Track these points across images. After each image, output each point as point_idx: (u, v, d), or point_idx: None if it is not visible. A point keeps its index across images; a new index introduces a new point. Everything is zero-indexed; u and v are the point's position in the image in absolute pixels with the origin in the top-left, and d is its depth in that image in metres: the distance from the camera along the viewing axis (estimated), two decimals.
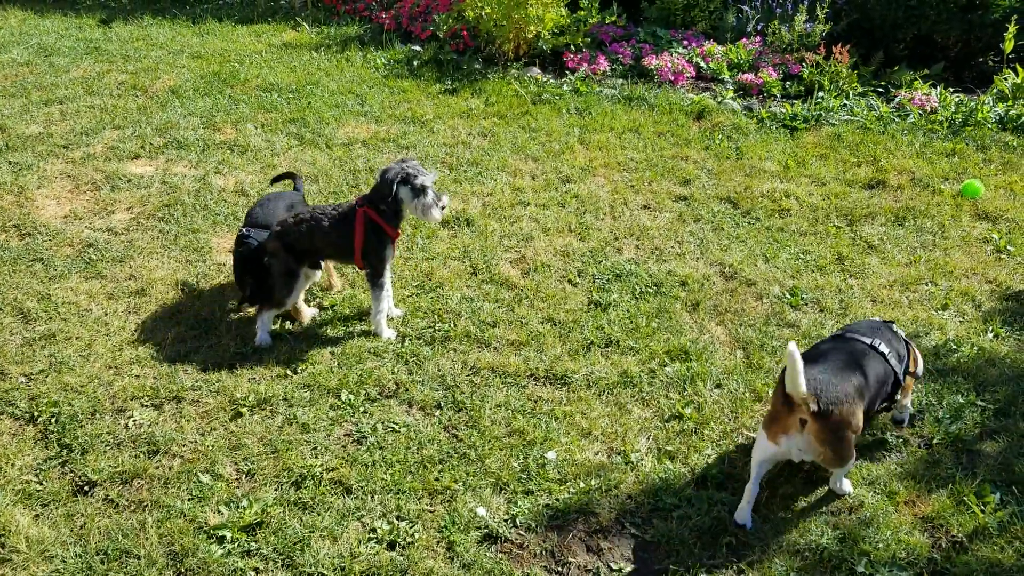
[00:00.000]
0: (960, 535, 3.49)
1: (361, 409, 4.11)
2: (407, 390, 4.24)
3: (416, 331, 4.67)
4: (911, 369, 3.90)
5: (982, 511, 3.58)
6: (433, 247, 5.47)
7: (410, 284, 5.08)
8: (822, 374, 3.46)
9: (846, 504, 3.64)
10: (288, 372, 4.35)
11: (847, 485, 3.69)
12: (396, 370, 4.38)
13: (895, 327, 3.99)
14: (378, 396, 4.21)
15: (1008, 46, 7.66)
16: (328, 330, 4.68)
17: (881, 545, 3.43)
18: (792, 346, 3.28)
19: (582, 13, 8.63)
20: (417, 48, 9.16)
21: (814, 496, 3.68)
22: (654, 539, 3.48)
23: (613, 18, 9.07)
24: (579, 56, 8.52)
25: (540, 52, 8.77)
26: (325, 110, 7.55)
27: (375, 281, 4.55)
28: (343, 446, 3.89)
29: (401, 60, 8.93)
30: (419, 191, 4.42)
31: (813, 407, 3.32)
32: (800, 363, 3.29)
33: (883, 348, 3.75)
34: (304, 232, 4.49)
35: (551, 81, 8.25)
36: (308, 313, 4.77)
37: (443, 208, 4.50)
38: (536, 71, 8.46)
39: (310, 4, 11.09)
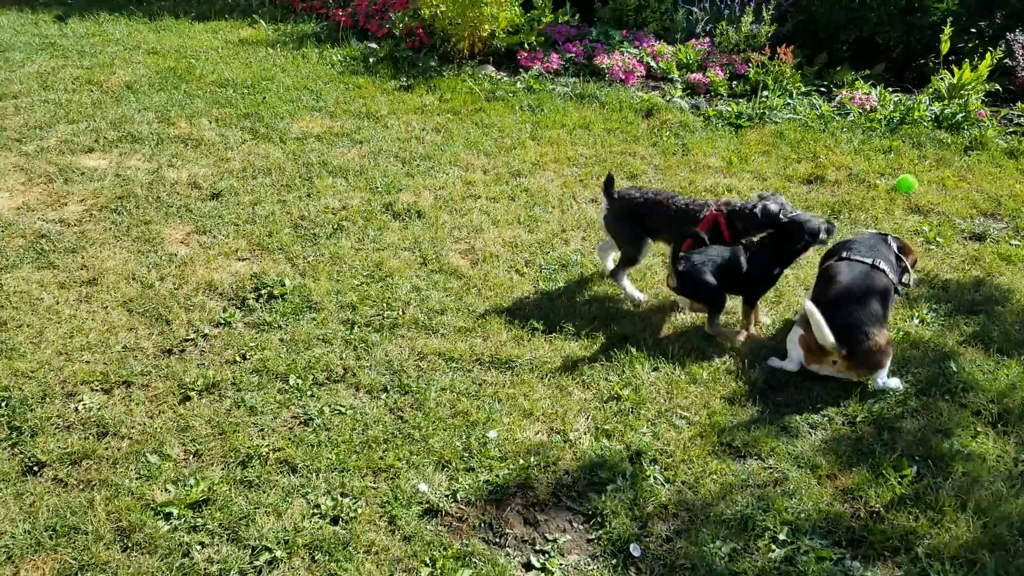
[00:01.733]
0: (878, 505, 3.69)
1: (309, 393, 4.22)
2: (354, 375, 4.36)
3: (365, 319, 4.79)
4: (904, 280, 4.65)
5: (899, 483, 3.78)
6: (384, 238, 5.59)
7: (360, 274, 5.19)
8: (844, 319, 4.16)
9: (771, 478, 3.82)
10: (238, 358, 4.45)
11: (892, 382, 4.33)
12: (344, 356, 4.49)
13: (889, 238, 4.70)
14: (326, 381, 4.32)
15: (944, 47, 7.96)
16: (279, 319, 4.77)
17: (803, 515, 3.61)
18: (808, 304, 4.09)
19: (536, 12, 8.80)
20: (373, 45, 9.26)
21: (744, 470, 3.86)
22: (588, 511, 3.63)
23: (566, 17, 9.26)
24: (533, 54, 8.69)
25: (495, 50, 8.93)
26: (280, 105, 7.64)
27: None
28: (290, 428, 4.00)
29: (357, 57, 9.04)
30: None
31: (844, 352, 4.12)
32: (822, 321, 4.05)
33: (883, 266, 4.43)
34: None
35: (505, 79, 8.41)
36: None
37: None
38: (490, 69, 8.61)
39: (267, 1, 11.15)
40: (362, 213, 5.86)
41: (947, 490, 3.72)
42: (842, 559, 3.44)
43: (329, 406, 4.13)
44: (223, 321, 4.72)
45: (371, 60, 8.93)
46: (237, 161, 6.55)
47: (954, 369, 4.46)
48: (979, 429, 4.11)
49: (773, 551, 3.45)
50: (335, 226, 5.71)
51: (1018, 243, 5.80)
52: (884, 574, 3.38)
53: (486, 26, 8.67)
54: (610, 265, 5.26)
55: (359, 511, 3.56)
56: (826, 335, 4.11)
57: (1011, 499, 3.69)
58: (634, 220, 5.02)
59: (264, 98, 7.76)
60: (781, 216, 4.66)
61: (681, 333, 4.80)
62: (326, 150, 6.82)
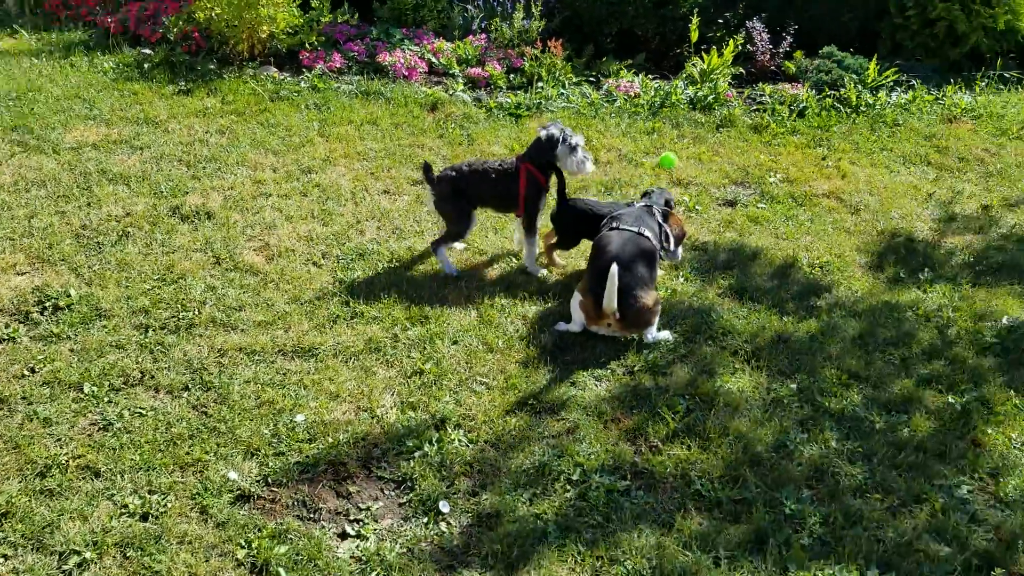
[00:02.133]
0: (656, 440, 4.14)
1: (106, 399, 4.14)
2: (153, 377, 4.31)
3: (160, 322, 4.72)
4: (665, 245, 5.18)
5: (673, 419, 4.25)
6: (173, 241, 5.50)
7: (150, 278, 5.09)
8: (619, 282, 4.57)
9: (564, 428, 4.18)
10: (26, 372, 4.27)
11: (662, 335, 4.85)
12: (140, 360, 4.43)
13: (655, 208, 5.25)
14: (123, 386, 4.24)
15: (694, 36, 8.80)
16: (67, 329, 4.61)
17: (592, 456, 3.99)
18: (614, 268, 4.53)
19: (314, 13, 8.84)
20: (148, 51, 8.94)
21: (539, 424, 4.19)
22: (398, 478, 3.83)
23: (346, 17, 9.36)
24: (315, 54, 8.73)
25: (276, 51, 8.88)
26: (50, 116, 7.25)
27: (530, 227, 5.40)
28: (89, 435, 3.91)
29: (131, 64, 8.70)
30: (573, 148, 5.26)
31: (618, 315, 4.61)
32: (616, 285, 4.52)
33: (647, 233, 4.94)
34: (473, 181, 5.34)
35: (288, 79, 8.40)
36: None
37: (591, 161, 5.38)
38: (273, 70, 8.57)
39: (28, 11, 10.45)
40: (148, 218, 5.73)
41: (712, 421, 4.23)
42: (628, 490, 3.84)
43: (128, 410, 4.07)
44: (6, 337, 4.50)
45: (146, 66, 8.62)
46: (7, 175, 6.18)
47: (714, 318, 5.04)
48: (737, 366, 4.68)
49: (568, 491, 3.80)
50: (120, 233, 5.55)
51: (764, 206, 6.57)
52: (665, 498, 3.81)
53: (264, 27, 8.61)
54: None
55: (169, 505, 3.57)
56: (613, 302, 4.57)
57: (765, 423, 4.25)
58: (458, 197, 5.35)
59: (32, 109, 7.33)
60: (558, 135, 5.26)
61: (479, 307, 5.09)
62: (104, 158, 6.56)
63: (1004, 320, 5.21)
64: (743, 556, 3.51)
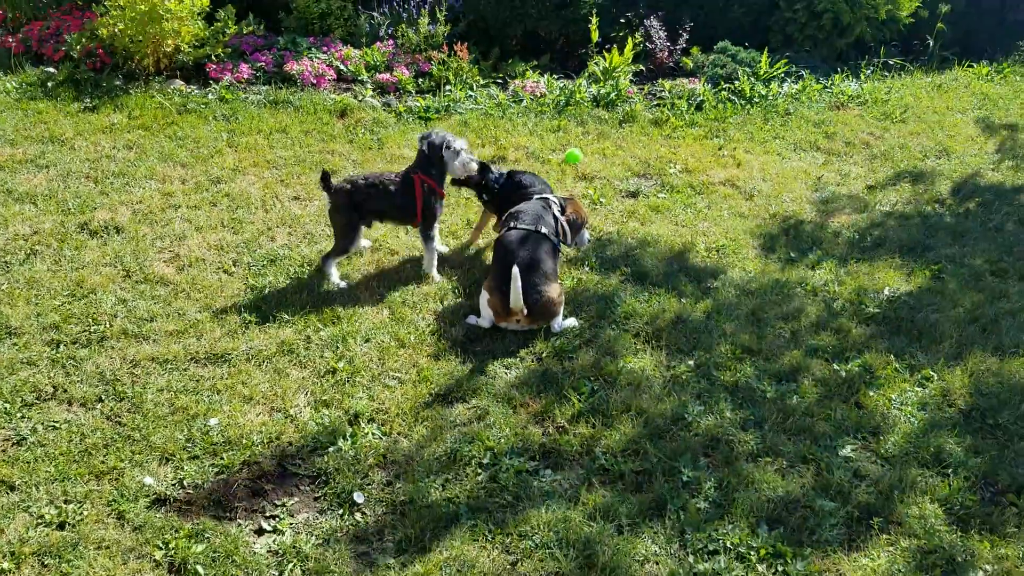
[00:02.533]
0: (563, 421, 4.34)
1: (19, 415, 4.15)
2: (66, 391, 4.34)
3: (71, 336, 4.74)
4: (562, 239, 5.40)
5: (579, 400, 4.46)
6: (82, 257, 5.49)
7: (60, 294, 5.09)
8: (523, 279, 4.78)
9: (475, 415, 4.35)
10: None
11: (567, 323, 5.07)
12: (52, 374, 4.44)
13: (551, 201, 5.47)
14: (35, 401, 4.26)
15: (594, 36, 9.08)
16: None
17: (502, 440, 4.17)
18: (516, 270, 4.71)
19: (219, 25, 8.83)
20: (51, 70, 8.80)
21: (451, 413, 4.36)
22: (312, 474, 3.95)
23: (252, 28, 9.37)
24: (222, 66, 8.73)
25: (182, 64, 8.84)
26: None
27: (428, 235, 5.50)
28: (2, 450, 3.93)
29: (34, 83, 8.55)
30: (456, 153, 5.45)
31: (525, 311, 4.81)
32: (520, 285, 4.71)
33: (544, 230, 5.15)
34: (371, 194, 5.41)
35: (196, 92, 8.39)
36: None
37: (475, 161, 5.58)
38: (179, 83, 8.54)
39: None
40: (56, 235, 5.71)
41: (615, 399, 4.46)
42: (537, 469, 4.03)
43: (42, 424, 4.10)
44: None
45: (50, 84, 8.49)
46: None
47: (617, 303, 5.28)
48: (639, 347, 4.93)
49: (480, 474, 3.98)
50: (28, 252, 5.51)
51: (664, 196, 6.86)
52: (571, 475, 4.02)
53: (169, 41, 8.57)
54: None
55: (85, 513, 3.62)
56: (519, 300, 4.75)
57: (665, 398, 4.50)
58: (351, 210, 5.38)
59: None
60: (439, 142, 5.44)
61: (391, 305, 5.23)
62: (9, 178, 6.49)
63: (885, 291, 5.57)
64: (644, 523, 3.73)
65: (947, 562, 3.59)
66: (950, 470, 4.09)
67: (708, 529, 3.69)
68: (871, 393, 4.61)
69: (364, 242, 5.80)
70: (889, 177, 7.51)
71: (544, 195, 5.50)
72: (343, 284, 5.40)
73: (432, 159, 5.44)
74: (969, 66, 10.63)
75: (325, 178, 5.37)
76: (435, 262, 5.58)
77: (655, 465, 4.04)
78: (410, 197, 5.40)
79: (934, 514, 3.81)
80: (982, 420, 4.47)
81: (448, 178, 5.67)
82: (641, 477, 4.00)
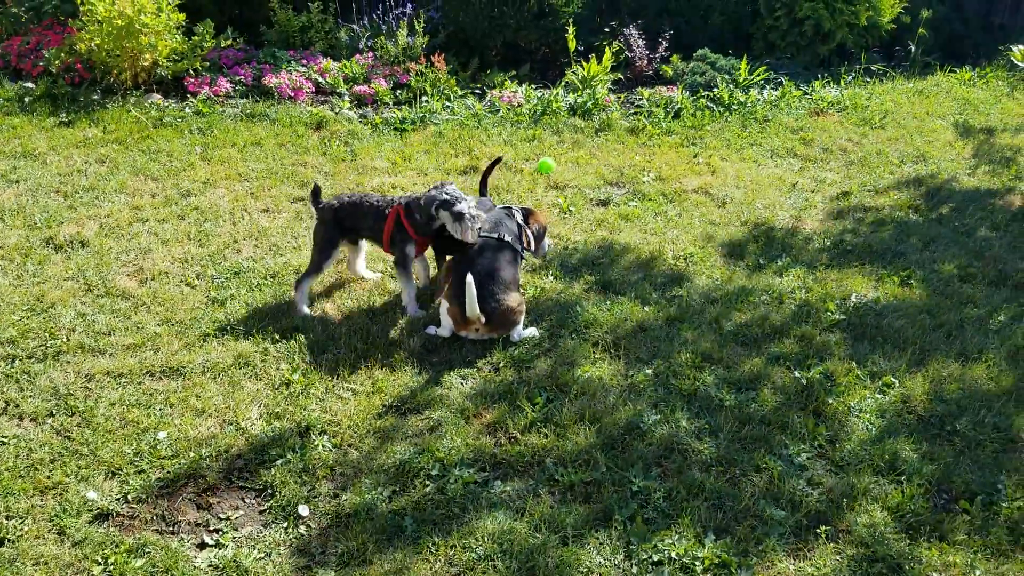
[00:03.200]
0: (515, 431, 4.31)
1: None
2: (17, 406, 4.33)
3: (27, 351, 4.73)
4: (526, 246, 5.32)
5: (533, 410, 4.43)
6: (45, 271, 5.50)
7: (20, 308, 5.09)
8: (479, 291, 4.73)
9: (427, 426, 4.33)
10: None
11: (527, 332, 5.06)
12: (5, 389, 4.44)
13: (514, 210, 5.40)
14: None
15: (572, 45, 9.09)
16: None
17: (452, 451, 4.14)
18: (469, 278, 4.67)
19: (197, 39, 8.86)
20: (29, 85, 8.85)
21: (403, 424, 4.33)
22: (259, 486, 3.93)
23: (230, 42, 9.40)
24: (200, 80, 8.76)
25: (161, 79, 8.89)
26: None
27: (400, 268, 5.25)
28: None
29: (11, 98, 8.60)
30: (458, 216, 4.97)
31: (483, 319, 4.79)
32: (474, 294, 4.66)
33: (507, 238, 5.11)
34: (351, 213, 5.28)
35: (173, 105, 8.42)
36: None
37: (480, 228, 5.05)
38: (157, 97, 8.57)
39: None
40: (20, 250, 5.72)
41: (569, 409, 4.42)
42: (486, 481, 4.00)
43: None
44: None
45: (27, 100, 8.54)
46: None
47: (578, 311, 5.25)
48: (597, 356, 4.90)
49: (428, 486, 3.94)
50: None
51: (635, 204, 6.84)
52: (521, 485, 3.98)
53: (147, 56, 8.62)
54: (366, 275, 5.68)
55: (26, 529, 3.60)
56: (475, 308, 4.72)
57: (620, 407, 4.46)
58: (332, 227, 5.26)
59: None
60: (441, 198, 5.02)
61: (348, 316, 5.21)
62: None
63: (852, 298, 5.53)
64: (589, 533, 3.69)
65: (893, 570, 3.54)
66: (904, 477, 4.04)
67: (654, 539, 3.65)
68: (830, 400, 4.56)
69: (371, 274, 5.71)
70: (864, 183, 7.47)
71: (506, 205, 5.48)
72: (307, 312, 5.24)
73: (424, 213, 5.10)
74: (952, 71, 10.60)
75: (315, 192, 5.36)
76: (412, 296, 5.28)
77: (605, 475, 4.01)
78: (383, 223, 5.22)
79: (883, 522, 3.76)
80: (940, 426, 4.42)
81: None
82: (590, 488, 3.96)
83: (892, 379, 4.74)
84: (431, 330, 5.06)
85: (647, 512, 3.81)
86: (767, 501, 3.89)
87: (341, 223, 5.29)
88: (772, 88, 9.39)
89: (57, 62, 8.88)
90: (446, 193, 5.04)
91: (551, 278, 5.72)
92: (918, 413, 4.52)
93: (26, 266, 5.56)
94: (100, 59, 8.60)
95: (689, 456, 4.15)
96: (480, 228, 5.06)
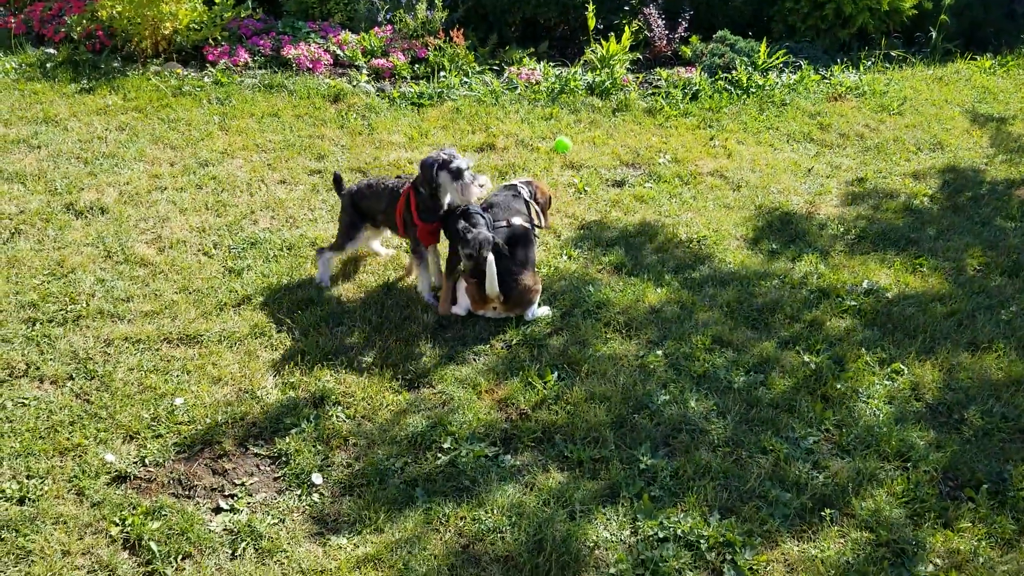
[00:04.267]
0: (526, 407, 4.37)
1: None
2: (38, 368, 4.41)
3: (47, 315, 4.80)
4: (537, 223, 5.35)
5: (544, 387, 4.49)
6: (65, 237, 5.56)
7: (41, 273, 5.16)
8: (500, 267, 4.76)
9: (439, 400, 4.39)
10: None
11: (541, 311, 5.08)
12: (26, 352, 4.51)
13: (519, 187, 5.40)
14: (8, 377, 4.33)
15: (591, 23, 9.04)
16: None
17: (464, 426, 4.20)
18: (491, 258, 4.67)
19: (218, 8, 8.87)
20: (51, 51, 8.89)
21: (416, 398, 4.39)
22: (274, 454, 4.00)
23: (249, 12, 9.40)
24: (219, 49, 8.78)
25: (181, 48, 8.90)
26: None
27: (416, 252, 5.18)
28: None
29: (33, 63, 8.64)
30: (456, 174, 4.86)
31: (501, 298, 4.82)
32: (495, 272, 4.70)
33: (517, 220, 5.11)
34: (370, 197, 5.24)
35: (192, 75, 8.44)
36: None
37: (482, 187, 4.92)
38: (176, 66, 8.60)
39: None
40: (41, 215, 5.78)
41: (580, 387, 4.48)
42: (497, 455, 4.06)
43: (12, 400, 4.17)
44: None
45: (49, 66, 8.58)
46: None
47: (592, 292, 5.28)
48: (609, 337, 4.94)
49: (439, 458, 4.01)
50: (12, 231, 5.60)
51: (651, 185, 6.85)
52: (530, 459, 4.04)
53: (167, 24, 8.63)
54: (379, 250, 5.70)
55: (46, 489, 3.69)
56: (495, 287, 4.76)
57: (630, 387, 4.51)
58: (352, 212, 5.26)
59: None
60: (440, 158, 4.87)
61: (363, 290, 5.27)
62: (0, 158, 6.57)
63: (864, 284, 5.55)
64: (597, 509, 3.76)
65: (896, 555, 3.59)
66: (910, 464, 4.08)
67: (660, 516, 3.71)
68: (839, 386, 4.59)
69: (384, 250, 5.74)
70: (880, 170, 7.45)
71: (509, 184, 5.48)
72: (326, 284, 5.28)
73: (425, 179, 4.95)
74: (972, 59, 10.50)
75: (337, 180, 5.41)
76: (427, 285, 5.21)
77: (613, 453, 4.06)
78: (395, 205, 5.15)
79: (889, 507, 3.81)
80: (948, 415, 4.45)
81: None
82: (599, 464, 4.02)
83: (902, 366, 4.77)
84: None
85: (654, 490, 3.87)
86: (773, 483, 3.94)
87: (358, 206, 5.30)
88: (791, 72, 9.34)
89: (79, 28, 8.91)
90: (445, 153, 4.90)
91: (566, 258, 5.75)
92: (927, 401, 4.55)
93: (47, 231, 5.62)
94: (121, 26, 8.62)
95: (697, 436, 4.20)
96: (483, 187, 4.92)
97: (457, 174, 4.87)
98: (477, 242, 4.74)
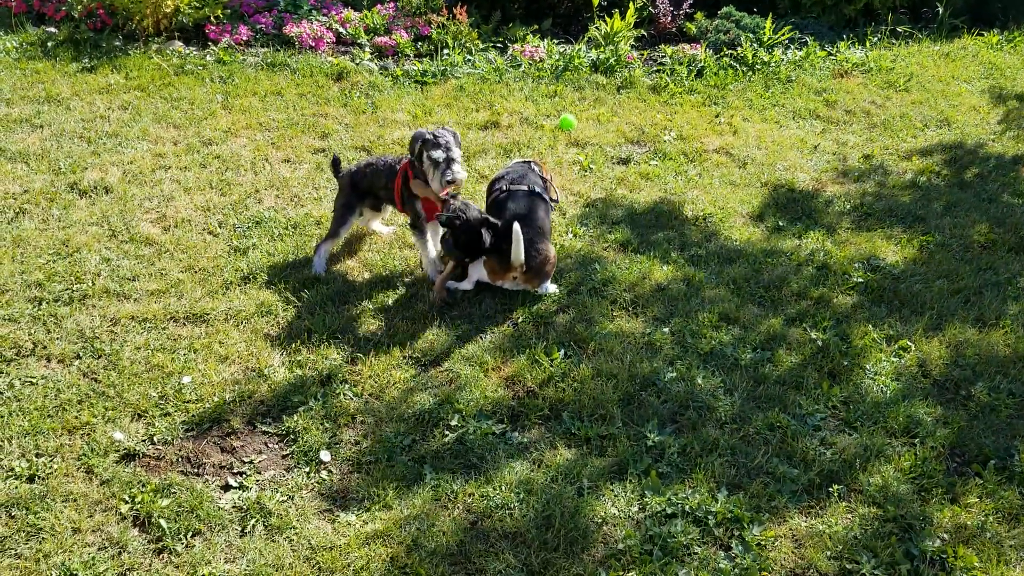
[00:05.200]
0: (533, 385, 4.37)
1: None
2: (45, 347, 4.41)
3: (53, 294, 4.80)
4: (553, 197, 5.36)
5: (551, 365, 4.48)
6: (70, 216, 5.55)
7: (46, 252, 5.16)
8: (524, 236, 4.72)
9: (447, 378, 4.39)
10: None
11: (551, 288, 5.07)
12: (33, 331, 4.52)
13: (533, 164, 5.40)
14: (15, 357, 4.34)
15: (595, 0, 8.96)
16: None
17: (472, 403, 4.21)
18: (517, 227, 4.66)
19: None
20: (52, 30, 8.83)
21: (423, 375, 4.40)
22: (282, 432, 4.01)
23: None
24: (221, 28, 8.72)
25: (182, 26, 8.84)
26: None
27: (415, 230, 5.19)
28: None
29: (35, 42, 8.59)
30: (434, 163, 4.88)
31: (524, 268, 4.81)
32: (522, 242, 4.68)
33: (538, 190, 5.14)
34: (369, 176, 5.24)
35: (194, 53, 8.39)
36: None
37: (450, 181, 4.87)
38: (178, 44, 8.54)
39: None
40: (45, 195, 5.77)
41: (587, 365, 4.47)
42: (504, 432, 4.06)
43: (19, 379, 4.18)
44: None
45: (50, 44, 8.53)
46: None
47: (598, 270, 5.27)
48: (616, 314, 4.93)
49: (447, 435, 4.02)
50: (16, 211, 5.58)
51: (656, 163, 6.82)
52: (537, 436, 4.05)
53: (168, 2, 8.57)
54: (380, 229, 5.68)
55: (55, 467, 3.70)
56: (520, 255, 4.75)
57: (637, 364, 4.51)
58: (350, 192, 5.26)
59: None
60: (425, 136, 4.92)
61: (371, 268, 5.26)
62: (3, 137, 6.54)
63: (871, 261, 5.53)
64: (605, 485, 3.76)
65: (903, 530, 3.60)
66: (917, 440, 4.09)
67: (667, 493, 3.71)
68: (846, 362, 4.59)
69: (386, 228, 5.73)
70: (887, 147, 7.41)
71: (525, 160, 5.47)
72: (322, 272, 5.21)
73: (411, 151, 5.03)
74: (979, 35, 10.42)
75: (335, 163, 5.39)
76: (430, 261, 5.17)
77: (621, 430, 4.07)
78: (394, 181, 5.17)
79: (896, 482, 3.81)
80: (955, 391, 4.45)
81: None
82: (606, 441, 4.02)
83: (908, 343, 4.76)
84: (451, 284, 5.09)
85: (661, 466, 3.88)
86: (780, 459, 3.95)
87: (357, 186, 5.28)
88: (796, 48, 9.27)
89: (80, 7, 8.85)
90: (432, 134, 4.91)
91: (571, 236, 5.73)
92: (933, 377, 4.55)
93: (51, 211, 5.61)
94: (122, 5, 8.55)
95: (704, 413, 4.21)
96: (456, 180, 4.90)
97: (434, 164, 4.89)
98: (462, 211, 4.89)
